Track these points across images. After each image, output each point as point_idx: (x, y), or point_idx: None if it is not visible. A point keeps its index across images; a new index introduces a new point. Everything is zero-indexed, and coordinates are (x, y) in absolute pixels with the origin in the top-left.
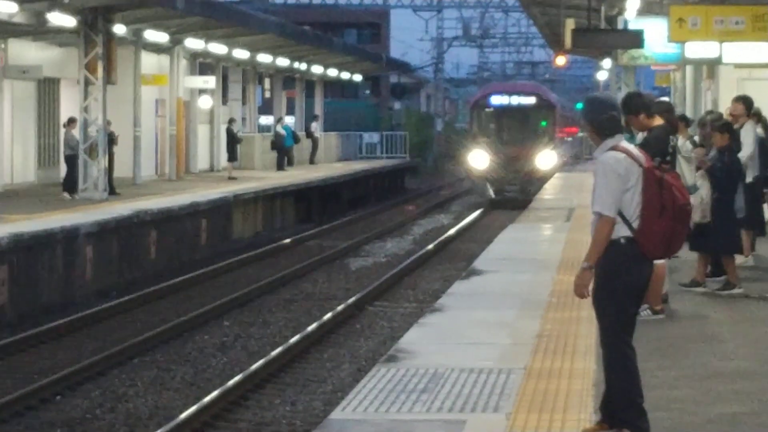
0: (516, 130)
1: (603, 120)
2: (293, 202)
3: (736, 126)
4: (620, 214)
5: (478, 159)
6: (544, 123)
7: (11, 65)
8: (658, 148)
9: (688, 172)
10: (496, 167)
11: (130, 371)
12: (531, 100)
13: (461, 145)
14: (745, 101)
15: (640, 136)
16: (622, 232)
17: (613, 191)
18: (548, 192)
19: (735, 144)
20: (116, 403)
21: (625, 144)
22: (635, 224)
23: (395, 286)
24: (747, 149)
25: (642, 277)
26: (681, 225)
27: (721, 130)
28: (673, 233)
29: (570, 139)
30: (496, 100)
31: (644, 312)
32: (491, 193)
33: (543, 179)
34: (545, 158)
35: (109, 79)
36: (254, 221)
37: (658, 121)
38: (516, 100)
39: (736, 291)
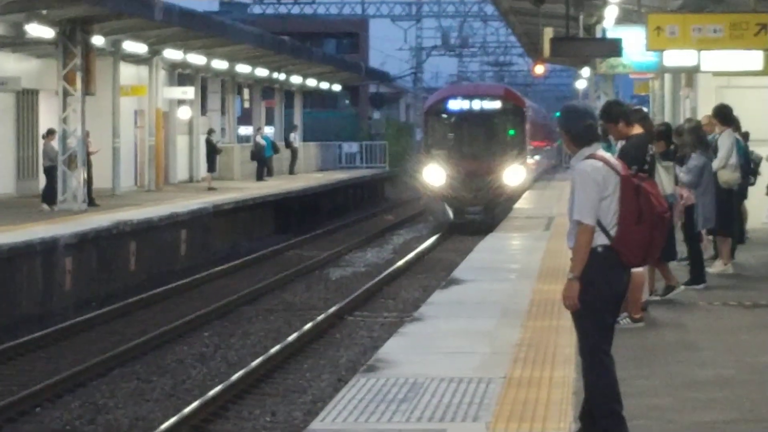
0: (478, 141)
1: (580, 129)
2: (273, 213)
3: (711, 135)
4: (598, 222)
5: (434, 175)
6: (512, 132)
7: None
8: (636, 157)
9: (666, 181)
10: (454, 185)
11: (110, 383)
12: (495, 105)
13: (415, 158)
14: (717, 111)
15: (619, 145)
16: (599, 240)
17: (591, 199)
18: (527, 201)
19: (714, 152)
20: (96, 415)
21: (602, 152)
22: (613, 232)
23: (375, 296)
24: (719, 159)
25: (620, 286)
26: (658, 233)
27: (658, 137)
28: (650, 241)
29: (548, 148)
30: (454, 104)
31: (623, 320)
32: (450, 214)
33: (511, 198)
34: (513, 174)
35: (87, 91)
36: (234, 232)
37: (636, 129)
38: (477, 104)
39: (677, 291)
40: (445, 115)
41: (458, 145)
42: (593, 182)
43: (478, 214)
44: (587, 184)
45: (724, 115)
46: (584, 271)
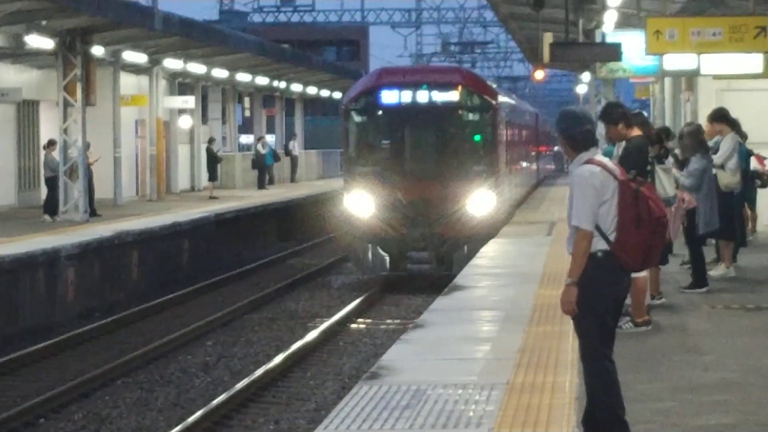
0: (424, 152)
1: (578, 133)
2: (275, 221)
3: (716, 138)
4: (597, 227)
5: (358, 204)
6: (477, 137)
7: None
8: (639, 158)
9: (667, 184)
10: (390, 219)
11: (114, 393)
12: (451, 96)
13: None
14: (717, 116)
15: (618, 148)
16: (599, 245)
17: (590, 205)
18: (528, 207)
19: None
20: (100, 425)
21: (599, 157)
22: (612, 237)
23: (378, 303)
24: (717, 158)
25: (620, 290)
26: (657, 237)
27: (654, 140)
28: (649, 245)
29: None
30: (388, 96)
31: (626, 325)
32: (384, 264)
33: (477, 238)
34: (480, 200)
35: (88, 101)
36: (236, 240)
37: (635, 132)
38: (423, 96)
39: (656, 301)
40: (374, 113)
41: (395, 158)
42: (591, 187)
43: (427, 263)
44: (585, 189)
45: (721, 117)
46: (585, 276)
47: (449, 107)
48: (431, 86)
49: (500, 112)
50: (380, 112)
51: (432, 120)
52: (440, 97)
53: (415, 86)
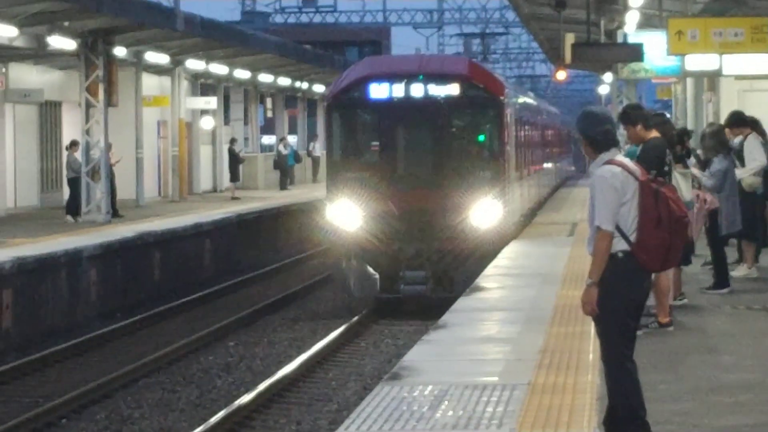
0: (420, 155)
1: (598, 134)
2: (296, 221)
3: (738, 139)
4: (617, 227)
5: (343, 215)
6: (482, 137)
7: (12, 89)
8: (657, 158)
9: (685, 188)
10: (380, 233)
11: (136, 393)
12: (451, 89)
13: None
14: (735, 120)
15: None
16: (619, 246)
17: (610, 205)
18: (549, 207)
19: (737, 156)
20: (122, 426)
21: (620, 158)
22: (632, 237)
23: (399, 304)
24: (757, 162)
25: (641, 291)
26: (678, 237)
27: (674, 141)
28: (670, 246)
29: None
30: (378, 90)
31: (652, 325)
32: (374, 284)
33: (482, 254)
34: (486, 212)
35: (110, 102)
36: (258, 241)
37: (654, 133)
38: (419, 89)
39: (678, 302)
40: (361, 110)
41: (387, 162)
42: (612, 188)
43: (424, 284)
44: (606, 189)
45: (740, 120)
46: (605, 276)
47: (449, 103)
48: (427, 78)
49: (509, 109)
50: (368, 109)
51: (428, 117)
52: (438, 90)
53: (408, 78)
